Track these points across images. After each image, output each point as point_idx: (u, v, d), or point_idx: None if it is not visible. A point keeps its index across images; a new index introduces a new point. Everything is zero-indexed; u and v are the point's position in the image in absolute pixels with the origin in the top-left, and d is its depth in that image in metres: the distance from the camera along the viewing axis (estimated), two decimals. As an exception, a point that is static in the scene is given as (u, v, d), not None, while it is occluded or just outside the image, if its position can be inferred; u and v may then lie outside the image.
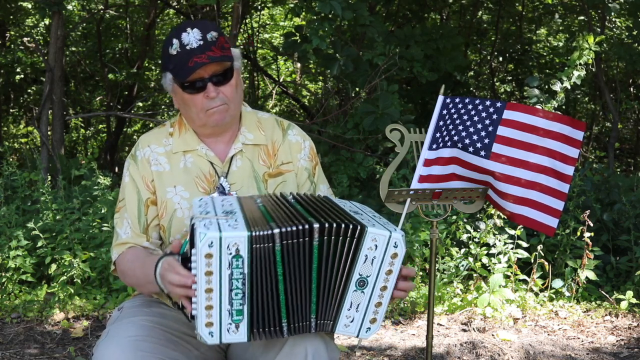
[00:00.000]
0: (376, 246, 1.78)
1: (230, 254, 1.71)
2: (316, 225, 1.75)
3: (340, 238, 1.78)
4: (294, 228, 1.75)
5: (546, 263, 4.71)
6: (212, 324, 1.74)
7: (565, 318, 4.46)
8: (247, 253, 1.72)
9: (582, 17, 8.91)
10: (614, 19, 8.44)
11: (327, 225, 1.76)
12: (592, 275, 4.65)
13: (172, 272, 1.83)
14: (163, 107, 10.22)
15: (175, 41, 2.08)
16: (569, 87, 5.40)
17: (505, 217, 3.86)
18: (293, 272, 1.77)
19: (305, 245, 1.76)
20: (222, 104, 2.12)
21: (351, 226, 1.77)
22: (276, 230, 1.74)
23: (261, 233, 1.73)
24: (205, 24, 2.11)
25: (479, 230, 4.94)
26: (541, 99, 5.48)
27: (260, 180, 2.22)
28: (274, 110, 10.44)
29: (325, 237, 1.77)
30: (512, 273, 4.71)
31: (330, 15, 5.46)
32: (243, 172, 2.21)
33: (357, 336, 1.84)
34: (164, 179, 2.18)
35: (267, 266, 1.75)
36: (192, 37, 2.07)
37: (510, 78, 10.28)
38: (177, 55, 2.08)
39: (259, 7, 9.83)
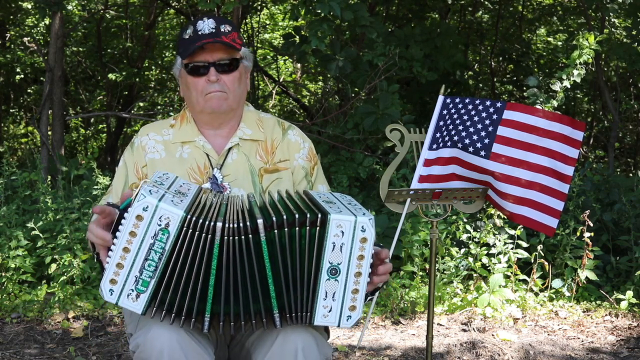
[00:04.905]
0: (343, 232, 1.77)
1: (160, 225, 1.73)
2: (260, 221, 1.77)
3: (299, 229, 1.78)
4: (236, 225, 1.76)
5: (546, 263, 4.72)
6: (116, 282, 1.75)
7: (565, 318, 4.46)
8: (176, 231, 1.73)
9: (582, 20, 8.91)
10: (613, 20, 8.44)
11: (275, 219, 1.77)
12: (592, 275, 4.65)
13: (97, 225, 1.83)
14: (162, 106, 10.22)
15: (190, 27, 2.19)
16: (569, 86, 5.40)
17: (505, 217, 3.87)
18: (234, 269, 1.78)
19: (249, 243, 1.77)
20: (221, 90, 2.18)
21: (309, 215, 1.78)
22: (219, 224, 1.75)
23: (200, 220, 1.75)
24: (223, 19, 2.22)
25: (479, 230, 4.94)
26: (541, 99, 5.48)
27: (256, 174, 2.24)
28: (274, 110, 10.44)
29: (277, 231, 1.78)
30: (512, 273, 4.72)
31: (329, 16, 5.46)
32: (238, 165, 2.24)
33: (339, 326, 1.83)
34: (158, 166, 2.22)
35: (198, 254, 1.76)
36: (205, 25, 2.17)
37: (508, 77, 10.28)
38: (189, 39, 2.18)
39: (259, 7, 9.82)
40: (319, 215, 1.78)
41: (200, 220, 1.75)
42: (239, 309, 1.80)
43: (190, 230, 1.75)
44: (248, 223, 1.77)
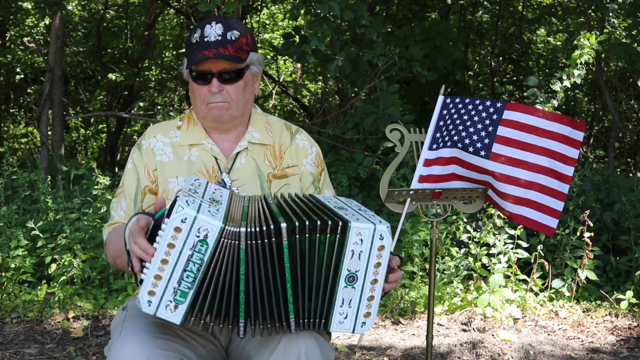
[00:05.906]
0: (362, 240, 1.77)
1: (198, 237, 1.72)
2: (284, 225, 1.75)
3: (319, 236, 1.77)
4: (259, 229, 1.75)
5: (546, 263, 4.72)
6: (154, 294, 1.74)
7: (565, 318, 4.46)
8: (214, 243, 1.72)
9: (582, 20, 8.91)
10: (613, 20, 8.44)
11: (297, 224, 1.76)
12: (592, 275, 4.65)
13: (140, 235, 1.81)
14: (162, 106, 10.22)
15: (198, 30, 2.15)
16: (569, 85, 5.40)
17: (505, 217, 3.87)
18: (258, 273, 1.77)
19: (272, 246, 1.76)
20: (223, 101, 2.16)
21: (330, 222, 1.77)
22: (242, 229, 1.74)
23: (232, 229, 1.74)
24: (231, 23, 2.17)
25: (479, 230, 4.94)
26: (541, 99, 5.48)
27: (265, 180, 2.23)
28: (274, 111, 10.44)
29: (298, 236, 1.77)
30: (512, 273, 4.72)
31: (329, 16, 5.46)
32: (247, 169, 2.22)
33: (353, 332, 1.83)
34: (167, 169, 2.21)
35: (230, 263, 1.75)
36: (212, 31, 2.13)
37: (508, 77, 10.28)
38: (195, 44, 2.14)
39: (259, 7, 9.83)
40: (340, 223, 1.77)
41: (232, 229, 1.74)
42: (265, 312, 1.80)
43: (227, 241, 1.74)
44: (271, 227, 1.76)
